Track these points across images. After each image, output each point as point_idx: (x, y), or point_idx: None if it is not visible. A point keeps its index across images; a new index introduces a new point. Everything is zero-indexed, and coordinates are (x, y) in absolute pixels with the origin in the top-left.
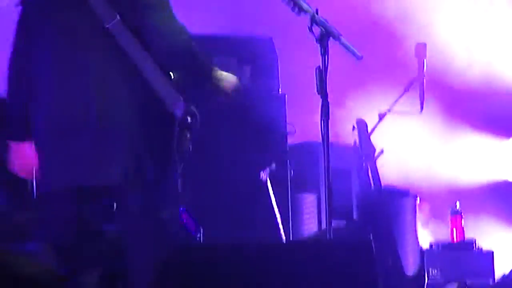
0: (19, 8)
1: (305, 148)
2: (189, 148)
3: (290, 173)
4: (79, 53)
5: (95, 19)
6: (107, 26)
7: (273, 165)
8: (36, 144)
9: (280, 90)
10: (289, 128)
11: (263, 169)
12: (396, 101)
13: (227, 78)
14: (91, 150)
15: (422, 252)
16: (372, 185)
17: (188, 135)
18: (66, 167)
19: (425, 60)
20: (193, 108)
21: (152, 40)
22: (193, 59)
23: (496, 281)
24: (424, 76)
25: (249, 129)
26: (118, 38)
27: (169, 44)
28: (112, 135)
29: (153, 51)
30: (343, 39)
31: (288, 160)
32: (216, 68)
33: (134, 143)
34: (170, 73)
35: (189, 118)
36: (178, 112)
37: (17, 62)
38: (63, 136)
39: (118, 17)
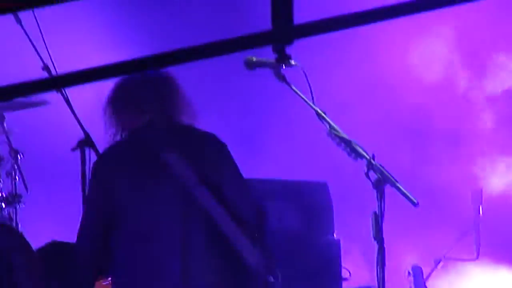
0: (98, 165)
1: None
2: None
3: None
4: (162, 218)
5: (177, 182)
6: (190, 189)
7: None
8: None
9: (335, 235)
10: (344, 273)
11: None
12: (452, 247)
13: None
14: None
15: None
16: None
17: None
18: None
19: (480, 206)
20: (272, 262)
21: (234, 196)
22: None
23: None
24: (480, 222)
25: (304, 274)
26: (199, 200)
27: (250, 200)
28: None
29: (233, 206)
30: (399, 185)
31: None
32: None
33: None
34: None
35: (267, 273)
36: (255, 265)
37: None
38: None
39: (198, 179)
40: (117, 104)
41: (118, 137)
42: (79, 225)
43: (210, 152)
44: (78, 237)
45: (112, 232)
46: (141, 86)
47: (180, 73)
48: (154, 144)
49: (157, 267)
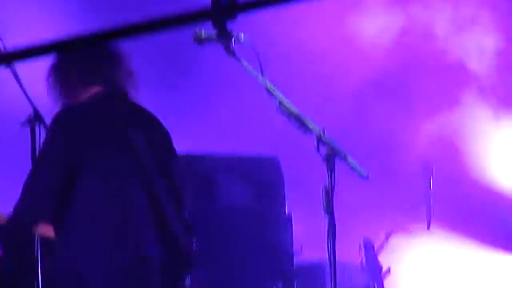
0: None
1: (312, 267)
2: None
3: None
4: (128, 187)
5: (139, 158)
6: (148, 167)
7: (280, 286)
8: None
9: (286, 210)
10: (296, 248)
11: None
12: (403, 219)
13: None
14: None
15: None
16: None
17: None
18: None
19: (431, 178)
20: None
21: (182, 186)
22: None
23: None
24: (431, 194)
25: (255, 249)
26: (154, 178)
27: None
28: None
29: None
30: (349, 158)
31: (295, 281)
32: None
33: None
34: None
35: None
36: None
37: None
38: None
39: (154, 158)
40: (63, 72)
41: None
42: (31, 179)
43: (160, 134)
44: (33, 193)
45: (72, 189)
46: (89, 55)
47: (127, 45)
48: (119, 116)
49: (120, 235)
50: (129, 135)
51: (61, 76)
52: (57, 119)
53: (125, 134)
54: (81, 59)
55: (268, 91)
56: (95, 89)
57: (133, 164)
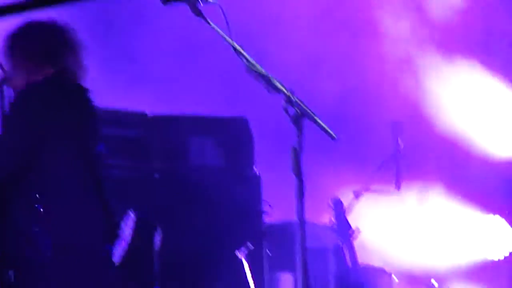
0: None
1: (281, 227)
2: None
3: (266, 252)
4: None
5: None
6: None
7: (250, 245)
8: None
9: (255, 170)
10: (265, 207)
11: (239, 248)
12: (371, 179)
13: None
14: None
15: None
16: (349, 264)
17: None
18: None
19: (399, 138)
20: None
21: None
22: None
23: None
24: (400, 154)
25: (225, 209)
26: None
27: None
28: None
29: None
30: (318, 119)
31: (264, 239)
32: None
33: None
34: None
35: None
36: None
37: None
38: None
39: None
40: (20, 53)
41: (19, 82)
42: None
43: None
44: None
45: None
46: (47, 39)
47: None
48: (83, 94)
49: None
50: (82, 115)
51: (17, 57)
52: (20, 97)
53: (80, 114)
54: (39, 42)
55: (236, 51)
56: (48, 71)
57: (84, 141)
